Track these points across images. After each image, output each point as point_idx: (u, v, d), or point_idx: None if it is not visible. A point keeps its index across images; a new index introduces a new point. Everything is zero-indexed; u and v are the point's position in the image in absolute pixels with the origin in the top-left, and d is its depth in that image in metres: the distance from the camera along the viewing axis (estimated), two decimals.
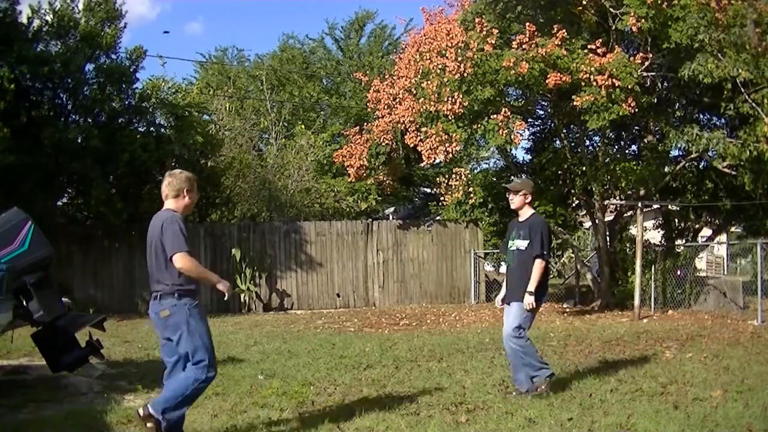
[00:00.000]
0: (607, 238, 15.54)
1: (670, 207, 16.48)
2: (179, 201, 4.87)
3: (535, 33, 12.42)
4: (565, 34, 12.32)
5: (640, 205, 13.81)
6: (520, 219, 6.40)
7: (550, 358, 8.40)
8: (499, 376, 7.09)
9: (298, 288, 16.83)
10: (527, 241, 6.19)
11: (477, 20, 12.78)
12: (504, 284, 6.59)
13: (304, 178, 20.24)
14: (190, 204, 4.93)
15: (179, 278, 4.64)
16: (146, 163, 15.01)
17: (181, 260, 4.59)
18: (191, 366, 4.70)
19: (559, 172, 15.39)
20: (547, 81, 12.12)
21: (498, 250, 25.57)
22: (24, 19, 15.13)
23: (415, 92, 14.16)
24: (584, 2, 12.63)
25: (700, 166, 15.58)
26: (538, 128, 17.17)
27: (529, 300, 6.11)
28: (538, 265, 6.12)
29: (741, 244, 20.80)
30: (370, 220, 18.30)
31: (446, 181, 16.05)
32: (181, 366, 4.78)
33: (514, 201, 6.40)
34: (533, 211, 6.45)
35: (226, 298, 4.73)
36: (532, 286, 6.09)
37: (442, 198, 16.95)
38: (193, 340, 4.67)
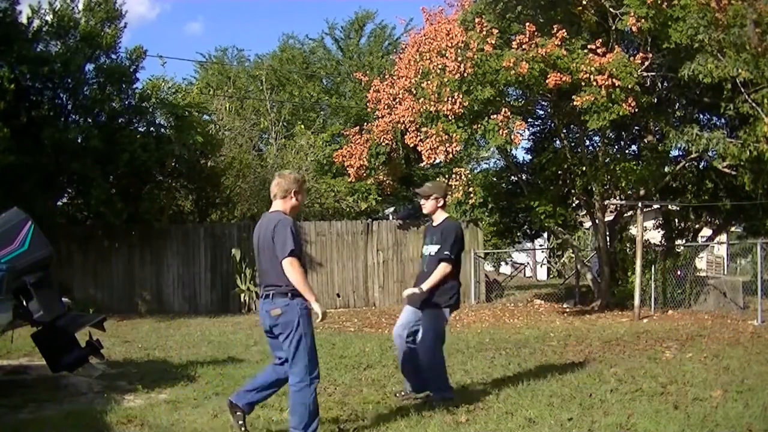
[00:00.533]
0: (607, 238, 15.53)
1: (670, 207, 16.47)
2: (287, 202, 4.99)
3: (535, 33, 12.41)
4: (565, 34, 12.31)
5: (640, 205, 13.81)
6: (434, 224, 6.20)
7: (550, 358, 8.41)
8: (499, 376, 7.09)
9: None
10: (438, 246, 6.00)
11: (477, 20, 12.77)
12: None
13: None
14: (298, 205, 5.05)
15: None
16: (146, 163, 15.02)
17: (289, 264, 4.73)
18: (292, 375, 4.85)
19: (559, 172, 15.37)
20: (547, 81, 12.11)
21: (498, 251, 25.84)
22: (24, 19, 15.16)
23: (415, 92, 14.15)
24: (584, 2, 12.62)
25: (700, 166, 15.57)
26: (538, 128, 17.16)
27: (410, 293, 5.97)
28: (442, 267, 5.87)
29: (741, 244, 20.77)
30: (370, 220, 18.30)
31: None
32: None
33: (426, 206, 6.16)
34: (446, 215, 6.23)
35: (318, 320, 4.86)
36: (426, 285, 5.85)
37: None
38: (300, 340, 4.80)
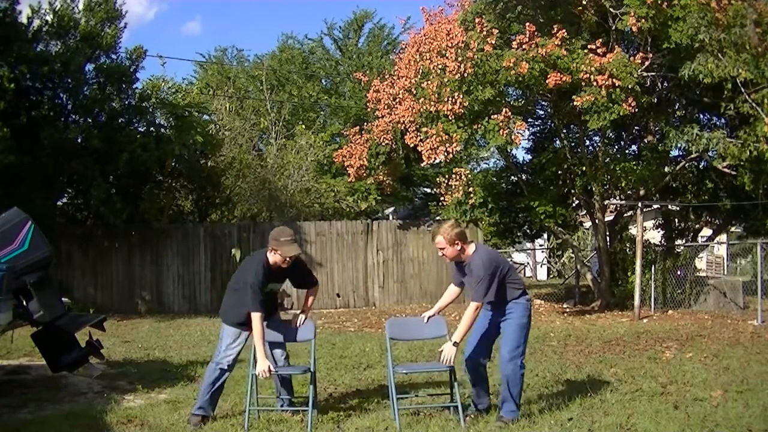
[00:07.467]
0: (607, 238, 15.53)
1: (670, 207, 16.47)
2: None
3: (535, 33, 12.41)
4: (565, 34, 12.31)
5: (640, 205, 13.81)
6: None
7: (550, 358, 8.40)
8: (498, 377, 7.07)
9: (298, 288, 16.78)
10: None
11: (477, 20, 12.76)
12: None
13: (304, 178, 20.22)
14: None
15: None
16: (146, 163, 15.01)
17: None
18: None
19: (559, 172, 15.36)
20: (547, 81, 12.11)
21: (498, 251, 25.72)
22: (24, 19, 15.15)
23: (415, 92, 14.15)
24: (584, 2, 12.62)
25: (700, 166, 15.57)
26: (538, 128, 17.16)
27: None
28: None
29: (741, 244, 20.77)
30: (370, 220, 18.28)
31: (446, 181, 16.02)
32: None
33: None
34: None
35: None
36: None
37: (442, 198, 16.94)
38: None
